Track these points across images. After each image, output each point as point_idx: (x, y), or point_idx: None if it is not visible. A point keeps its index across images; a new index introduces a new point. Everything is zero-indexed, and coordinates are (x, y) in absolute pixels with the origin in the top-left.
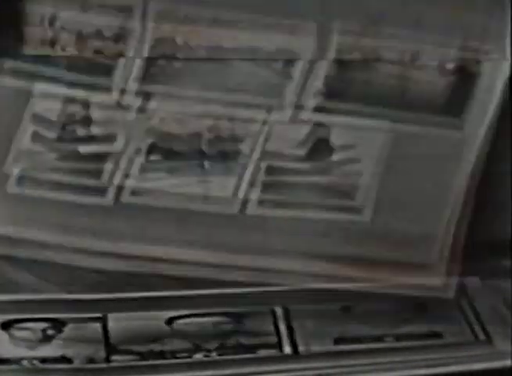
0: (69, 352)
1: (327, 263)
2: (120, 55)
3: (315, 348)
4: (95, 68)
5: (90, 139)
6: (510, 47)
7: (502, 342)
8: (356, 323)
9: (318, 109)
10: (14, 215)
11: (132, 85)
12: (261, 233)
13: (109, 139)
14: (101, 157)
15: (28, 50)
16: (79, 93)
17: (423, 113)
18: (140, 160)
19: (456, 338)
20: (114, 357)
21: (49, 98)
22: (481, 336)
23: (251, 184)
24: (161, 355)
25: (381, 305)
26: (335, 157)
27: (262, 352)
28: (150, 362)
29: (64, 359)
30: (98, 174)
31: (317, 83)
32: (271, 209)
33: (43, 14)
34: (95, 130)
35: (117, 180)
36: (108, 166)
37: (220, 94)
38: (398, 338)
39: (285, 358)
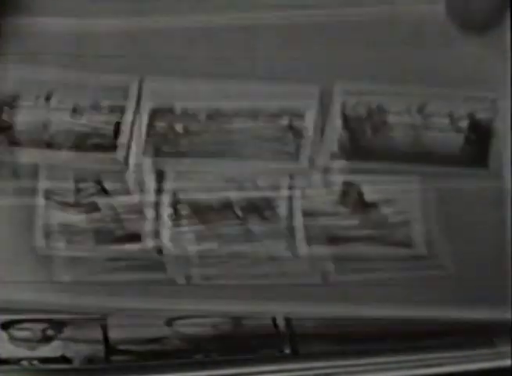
0: (69, 352)
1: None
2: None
3: (315, 348)
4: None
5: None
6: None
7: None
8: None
9: (338, 170)
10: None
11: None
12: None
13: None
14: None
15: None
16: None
17: (447, 165)
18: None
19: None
20: (114, 357)
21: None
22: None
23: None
24: (161, 355)
25: None
26: (378, 211)
27: (262, 352)
28: (150, 362)
29: (64, 360)
30: None
31: (331, 145)
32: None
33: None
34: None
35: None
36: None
37: (235, 164)
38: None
39: (285, 358)
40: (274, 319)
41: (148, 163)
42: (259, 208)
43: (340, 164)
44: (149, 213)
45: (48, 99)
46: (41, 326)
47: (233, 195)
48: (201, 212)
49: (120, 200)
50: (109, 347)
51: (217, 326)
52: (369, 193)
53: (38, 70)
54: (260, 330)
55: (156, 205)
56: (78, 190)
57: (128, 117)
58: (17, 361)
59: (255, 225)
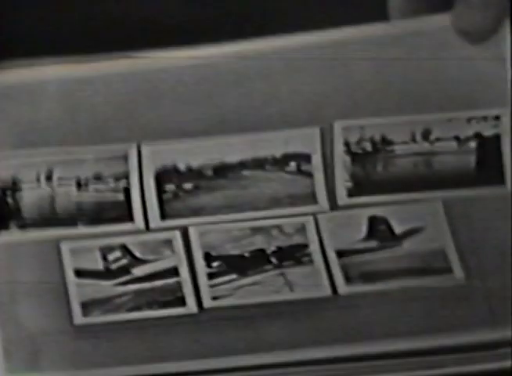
0: None
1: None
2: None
3: None
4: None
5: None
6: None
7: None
8: None
9: (360, 206)
10: None
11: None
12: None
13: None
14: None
15: None
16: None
17: (464, 188)
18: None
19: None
20: None
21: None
22: None
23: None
24: None
25: None
26: (410, 241)
27: None
28: None
29: None
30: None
31: (345, 182)
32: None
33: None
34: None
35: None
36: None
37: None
38: None
39: None
40: None
41: (169, 224)
42: (292, 253)
43: (359, 200)
44: (185, 274)
45: (49, 177)
46: None
47: (263, 244)
48: (236, 264)
49: (152, 266)
50: None
51: None
52: (397, 225)
53: (35, 152)
54: None
55: (191, 265)
56: (107, 261)
57: (134, 182)
58: None
59: (291, 270)
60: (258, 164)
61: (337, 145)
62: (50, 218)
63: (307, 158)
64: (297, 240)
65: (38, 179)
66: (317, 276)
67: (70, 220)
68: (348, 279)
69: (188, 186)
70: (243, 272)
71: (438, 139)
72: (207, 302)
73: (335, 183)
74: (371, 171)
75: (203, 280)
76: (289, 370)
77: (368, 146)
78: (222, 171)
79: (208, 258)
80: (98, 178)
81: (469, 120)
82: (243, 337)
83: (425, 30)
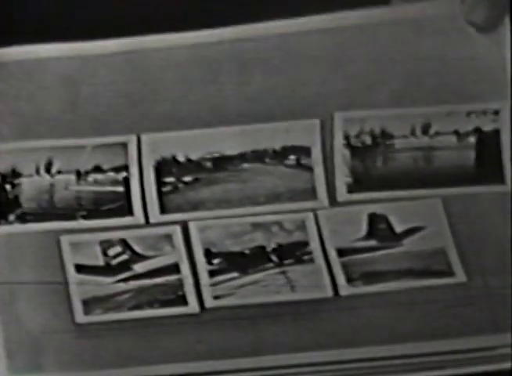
0: None
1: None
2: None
3: None
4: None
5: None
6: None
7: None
8: None
9: (360, 203)
10: None
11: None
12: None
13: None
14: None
15: None
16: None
17: (463, 185)
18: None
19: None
20: None
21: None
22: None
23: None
24: None
25: None
26: (410, 241)
27: None
28: None
29: None
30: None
31: (345, 177)
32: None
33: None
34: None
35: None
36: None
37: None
38: None
39: None
40: None
41: (169, 218)
42: (293, 251)
43: (359, 196)
44: (186, 271)
45: (48, 167)
46: None
47: (263, 240)
48: (236, 262)
49: (153, 262)
50: None
51: None
52: (397, 224)
53: (34, 143)
54: None
55: (191, 262)
56: (108, 256)
57: (134, 172)
58: None
59: (292, 269)
60: (258, 156)
61: (337, 138)
62: (49, 210)
63: (307, 151)
64: (297, 237)
65: (38, 171)
66: (318, 275)
67: (69, 213)
68: (350, 280)
69: (187, 178)
70: (243, 271)
71: (437, 134)
72: (209, 302)
73: (335, 178)
74: (371, 166)
75: (204, 278)
76: (290, 371)
77: (368, 140)
78: (222, 163)
79: (209, 254)
80: (97, 169)
81: (468, 114)
82: (244, 338)
83: (426, 14)
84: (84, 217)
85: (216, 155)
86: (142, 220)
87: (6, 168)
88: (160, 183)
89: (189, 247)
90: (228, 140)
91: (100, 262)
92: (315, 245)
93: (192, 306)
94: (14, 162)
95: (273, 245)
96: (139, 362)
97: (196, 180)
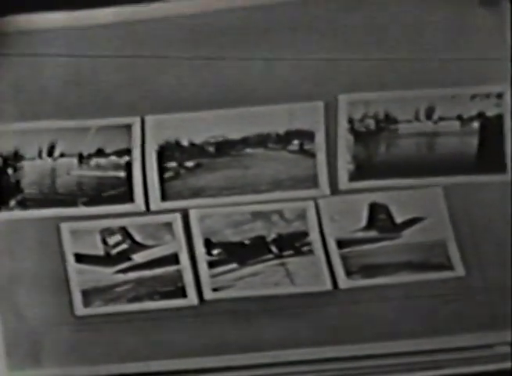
0: None
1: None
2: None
3: None
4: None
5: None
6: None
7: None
8: None
9: (361, 192)
10: None
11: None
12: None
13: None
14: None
15: None
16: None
17: (464, 174)
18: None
19: None
20: None
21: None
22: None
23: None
24: None
25: None
26: (410, 233)
27: None
28: None
29: None
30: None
31: (347, 164)
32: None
33: None
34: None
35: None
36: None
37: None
38: None
39: None
40: None
41: (169, 206)
42: (292, 242)
43: (361, 184)
44: (186, 262)
45: (51, 150)
46: None
47: (263, 230)
48: (236, 253)
49: (153, 252)
50: None
51: None
52: (397, 214)
53: (38, 123)
54: None
55: (191, 251)
56: (107, 246)
57: (137, 155)
58: None
59: (291, 260)
60: (261, 141)
61: (341, 121)
62: (50, 195)
63: (310, 136)
64: (297, 226)
65: (40, 154)
66: (317, 267)
67: (70, 199)
68: (349, 273)
69: (189, 163)
70: (243, 262)
71: (441, 119)
72: (208, 294)
73: (337, 165)
74: (373, 153)
75: (203, 269)
76: (288, 369)
77: (371, 124)
78: (225, 148)
79: (208, 244)
80: (100, 152)
81: (472, 97)
82: (242, 333)
83: None
84: (85, 203)
85: (220, 139)
86: (142, 207)
87: (9, 150)
88: (162, 169)
89: (188, 237)
90: (232, 123)
91: (100, 251)
92: (314, 236)
93: (192, 298)
94: (17, 144)
95: (273, 235)
96: (138, 357)
97: (198, 166)
